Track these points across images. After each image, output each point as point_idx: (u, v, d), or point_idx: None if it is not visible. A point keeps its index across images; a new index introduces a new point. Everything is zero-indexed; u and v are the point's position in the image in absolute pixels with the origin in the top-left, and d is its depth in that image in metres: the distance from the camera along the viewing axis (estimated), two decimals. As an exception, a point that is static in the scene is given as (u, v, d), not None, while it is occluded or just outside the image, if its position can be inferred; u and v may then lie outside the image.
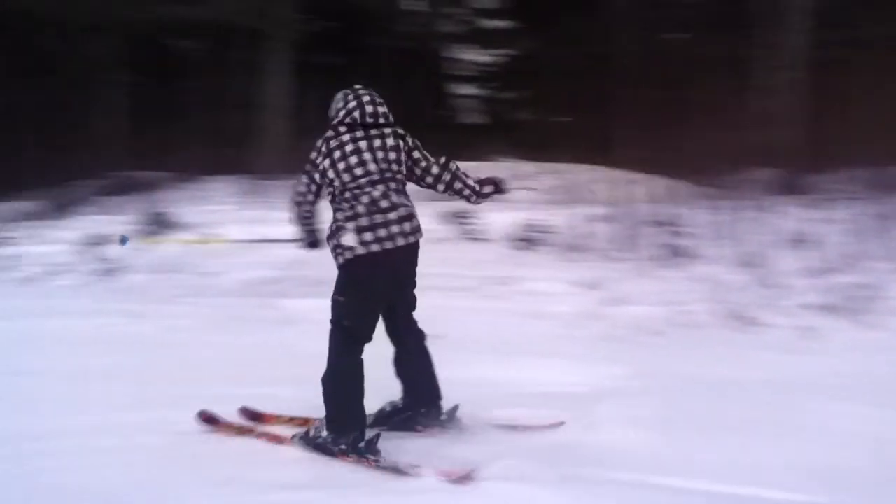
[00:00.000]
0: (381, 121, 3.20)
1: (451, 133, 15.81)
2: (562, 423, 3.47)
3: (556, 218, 8.13)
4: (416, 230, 3.17)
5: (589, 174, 10.85)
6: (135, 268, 7.52)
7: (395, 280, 3.21)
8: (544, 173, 11.36)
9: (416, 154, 3.28)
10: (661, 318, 5.64)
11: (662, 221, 7.66)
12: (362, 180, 3.09)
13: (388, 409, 3.45)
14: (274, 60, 12.37)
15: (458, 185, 3.34)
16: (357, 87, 3.28)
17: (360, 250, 3.04)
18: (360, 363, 3.13)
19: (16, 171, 10.93)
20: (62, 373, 4.45)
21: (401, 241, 3.08)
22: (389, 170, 3.15)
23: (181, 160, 11.48)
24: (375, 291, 3.16)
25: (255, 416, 3.59)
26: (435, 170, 3.31)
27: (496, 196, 3.49)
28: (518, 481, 2.74)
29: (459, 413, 3.46)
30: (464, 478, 2.75)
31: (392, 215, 3.08)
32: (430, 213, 8.71)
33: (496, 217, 8.19)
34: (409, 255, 3.18)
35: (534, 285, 6.52)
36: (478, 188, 3.37)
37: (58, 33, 11.38)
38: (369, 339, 3.17)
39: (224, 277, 7.02)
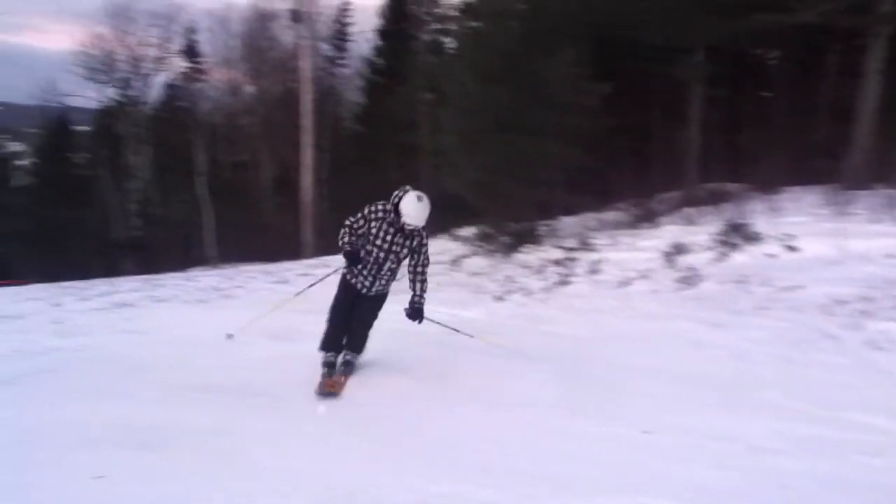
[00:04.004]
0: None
1: None
2: None
3: None
4: None
5: None
6: (710, 277, 7.72)
7: None
8: None
9: None
10: None
11: None
12: None
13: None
14: (868, 60, 11.16)
15: None
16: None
17: None
18: None
19: (610, 186, 12.26)
20: (643, 370, 4.95)
21: None
22: None
23: (763, 170, 11.29)
24: None
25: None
26: None
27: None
28: None
29: None
30: None
31: None
32: None
33: None
34: None
35: None
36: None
37: (650, 55, 12.23)
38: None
39: (804, 291, 6.67)
